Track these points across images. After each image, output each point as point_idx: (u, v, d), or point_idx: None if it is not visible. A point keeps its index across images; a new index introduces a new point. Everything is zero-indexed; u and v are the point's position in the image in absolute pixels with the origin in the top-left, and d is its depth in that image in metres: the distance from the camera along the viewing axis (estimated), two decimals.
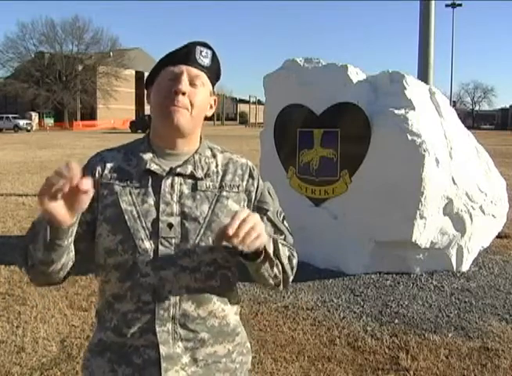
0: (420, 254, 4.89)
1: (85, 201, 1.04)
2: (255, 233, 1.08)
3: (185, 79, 1.24)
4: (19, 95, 56.46)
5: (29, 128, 45.72)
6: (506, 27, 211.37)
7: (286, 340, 3.57)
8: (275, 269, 1.25)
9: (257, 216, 1.12)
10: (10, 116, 46.80)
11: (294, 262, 1.34)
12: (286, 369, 3.19)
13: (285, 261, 1.28)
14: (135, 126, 43.66)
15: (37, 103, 56.25)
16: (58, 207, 1.03)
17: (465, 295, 4.45)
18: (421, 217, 4.64)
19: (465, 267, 5.06)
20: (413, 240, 4.67)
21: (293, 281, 1.38)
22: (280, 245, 1.28)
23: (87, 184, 1.01)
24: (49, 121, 54.85)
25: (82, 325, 3.80)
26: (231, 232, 1.06)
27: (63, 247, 1.13)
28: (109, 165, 1.29)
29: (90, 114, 60.89)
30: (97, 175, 1.27)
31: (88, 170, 1.28)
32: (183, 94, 1.23)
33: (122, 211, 1.23)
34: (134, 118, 52.13)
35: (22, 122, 45.83)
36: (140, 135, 1.39)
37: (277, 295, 4.38)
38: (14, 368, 3.17)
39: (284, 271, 1.29)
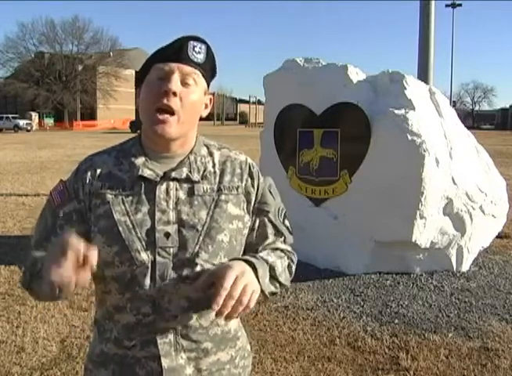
0: (420, 254, 4.89)
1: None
2: (246, 297, 1.10)
3: (176, 78, 1.16)
4: (19, 95, 56.52)
5: (29, 128, 45.72)
6: (507, 27, 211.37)
7: (286, 340, 3.57)
8: (272, 289, 1.23)
9: (245, 276, 1.10)
10: (10, 116, 46.83)
11: (293, 268, 1.33)
12: (286, 369, 3.19)
13: (282, 278, 1.26)
14: (134, 126, 43.60)
15: (37, 103, 56.31)
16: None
17: (465, 295, 4.45)
18: (421, 217, 4.64)
19: (465, 267, 5.06)
20: (413, 240, 4.67)
21: (293, 281, 1.38)
22: (279, 262, 1.25)
23: (94, 259, 1.00)
24: (49, 121, 54.87)
25: (82, 325, 3.80)
26: (216, 307, 1.04)
27: None
28: (99, 172, 1.23)
29: (90, 114, 60.93)
30: (87, 183, 1.22)
31: (77, 178, 1.24)
32: (174, 94, 1.15)
33: (116, 222, 1.17)
34: (134, 118, 52.07)
35: (22, 122, 45.84)
36: None
37: (277, 295, 4.38)
38: (14, 368, 3.17)
39: (282, 285, 1.27)
